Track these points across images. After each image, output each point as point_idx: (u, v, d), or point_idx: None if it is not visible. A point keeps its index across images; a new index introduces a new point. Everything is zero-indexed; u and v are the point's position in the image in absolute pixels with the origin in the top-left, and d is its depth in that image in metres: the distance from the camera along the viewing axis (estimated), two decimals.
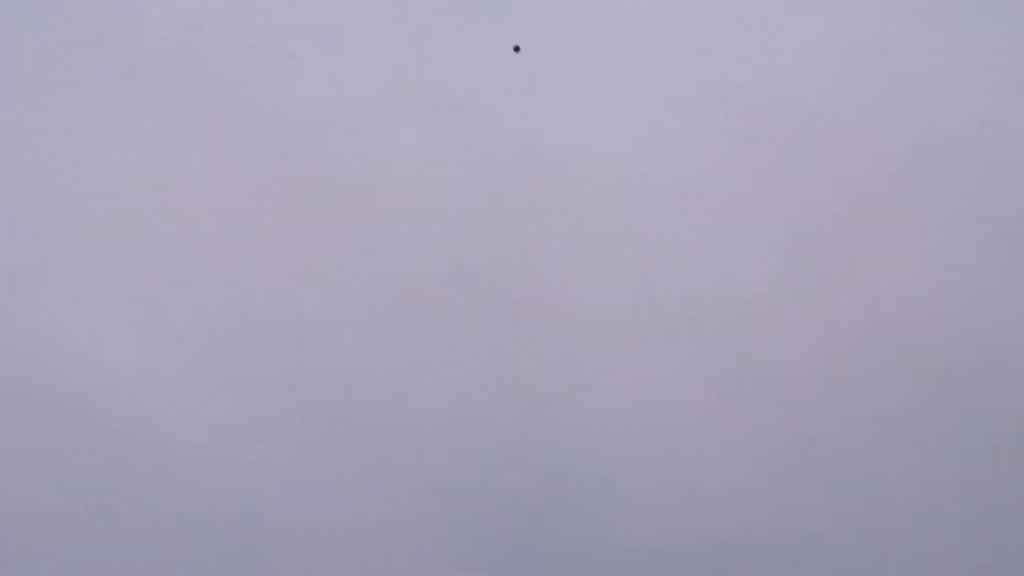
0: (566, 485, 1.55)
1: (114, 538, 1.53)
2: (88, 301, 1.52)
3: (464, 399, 1.54)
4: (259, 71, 1.53)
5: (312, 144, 1.54)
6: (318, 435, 1.54)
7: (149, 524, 1.53)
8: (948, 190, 1.55)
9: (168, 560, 1.53)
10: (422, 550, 1.55)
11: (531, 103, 1.54)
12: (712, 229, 1.55)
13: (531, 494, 1.55)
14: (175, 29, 1.52)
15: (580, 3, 1.54)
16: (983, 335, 1.55)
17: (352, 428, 1.54)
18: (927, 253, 1.55)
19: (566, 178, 1.54)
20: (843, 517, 1.56)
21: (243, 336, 1.54)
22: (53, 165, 1.53)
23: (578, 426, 1.54)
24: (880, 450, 1.56)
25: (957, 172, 1.55)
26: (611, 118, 1.55)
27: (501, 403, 1.54)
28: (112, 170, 1.53)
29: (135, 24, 1.53)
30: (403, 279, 1.54)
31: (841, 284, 1.55)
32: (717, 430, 1.55)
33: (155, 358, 1.53)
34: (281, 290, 1.54)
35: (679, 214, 1.54)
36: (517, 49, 1.47)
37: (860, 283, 1.55)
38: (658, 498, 1.55)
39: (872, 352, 1.55)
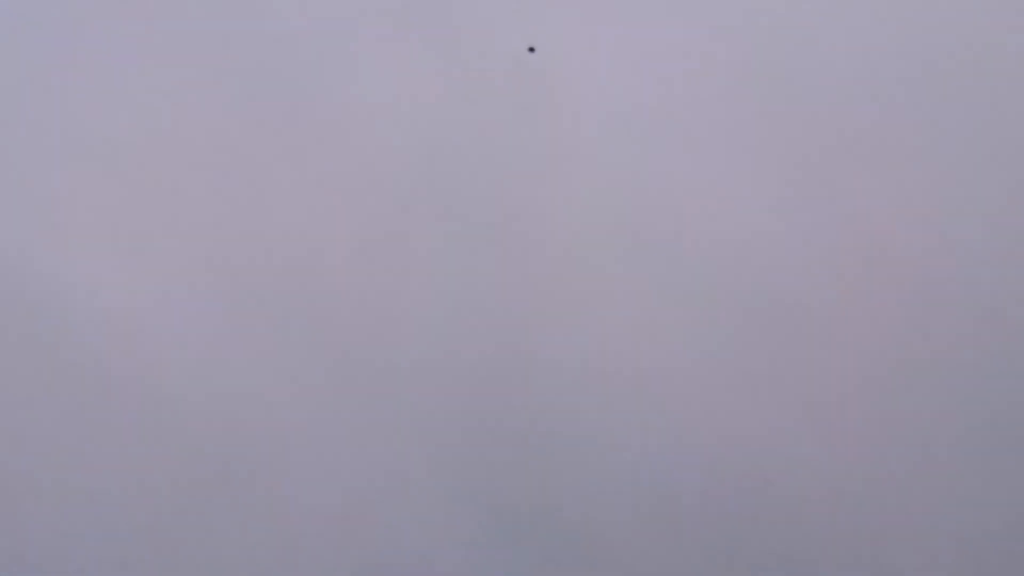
0: (551, 412, 1.55)
1: (94, 463, 1.52)
2: (76, 224, 1.52)
3: (449, 327, 1.54)
4: None
5: (296, 69, 1.53)
6: (301, 362, 1.53)
7: (129, 448, 1.53)
8: (945, 117, 1.54)
9: (147, 483, 1.53)
10: (407, 478, 1.55)
11: (519, 26, 1.53)
12: (702, 155, 1.54)
13: (516, 421, 1.55)
14: None
15: None
16: (979, 262, 1.55)
17: (336, 357, 1.53)
18: (922, 179, 1.55)
19: (553, 104, 1.53)
20: (834, 445, 1.56)
21: (227, 264, 1.53)
22: (42, 88, 1.52)
23: (563, 354, 1.54)
24: (876, 381, 1.56)
25: (956, 101, 1.54)
26: (602, 42, 1.54)
27: (486, 332, 1.54)
28: (101, 92, 1.52)
29: None
30: (388, 204, 1.54)
31: (836, 213, 1.55)
32: (702, 356, 1.55)
33: (138, 285, 1.52)
34: (264, 218, 1.53)
35: (667, 138, 1.54)
36: (532, 50, 1.46)
37: (855, 212, 1.55)
38: (645, 425, 1.55)
39: (868, 280, 1.55)
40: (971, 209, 1.54)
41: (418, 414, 1.54)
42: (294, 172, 1.53)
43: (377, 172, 1.53)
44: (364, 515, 1.54)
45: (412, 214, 1.53)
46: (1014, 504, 1.56)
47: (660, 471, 1.55)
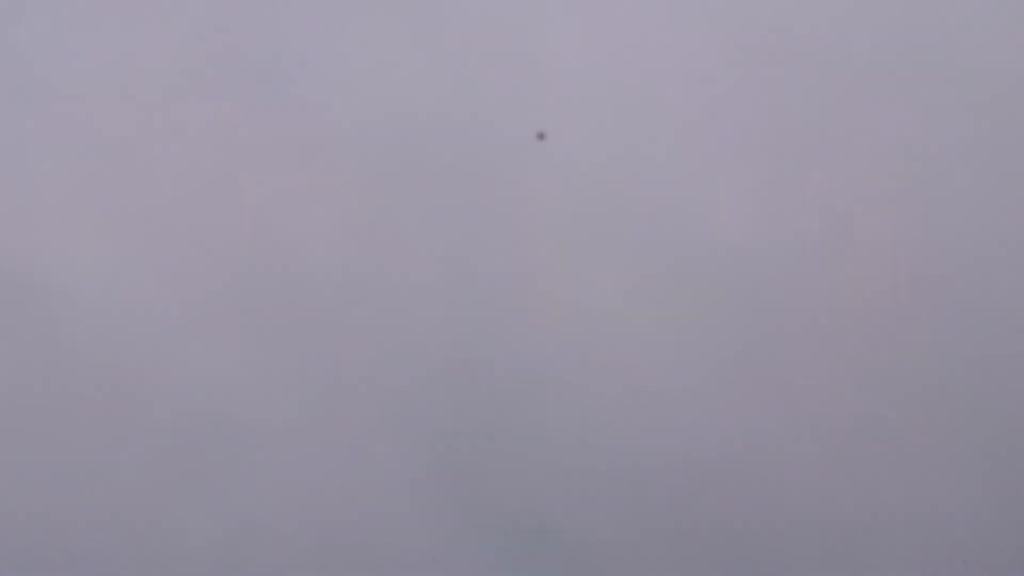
0: (532, 392, 1.54)
1: (68, 442, 1.52)
2: (49, 208, 1.51)
3: (429, 306, 1.53)
4: None
5: (276, 54, 1.52)
6: (277, 339, 1.53)
7: (102, 424, 1.53)
8: (937, 114, 1.54)
9: (120, 462, 1.52)
10: (390, 476, 1.55)
11: (506, 6, 1.52)
12: (691, 145, 1.54)
13: (496, 403, 1.54)
14: None
15: None
16: (971, 261, 1.55)
17: (313, 334, 1.53)
18: (913, 175, 1.55)
19: (540, 82, 1.53)
20: (814, 434, 1.56)
21: (201, 242, 1.53)
22: (27, 82, 1.51)
23: (550, 352, 1.54)
24: (865, 380, 1.56)
25: (949, 97, 1.54)
26: (588, 22, 1.53)
27: (466, 310, 1.53)
28: (83, 86, 1.52)
29: None
30: (367, 181, 1.53)
31: (826, 208, 1.55)
32: (689, 354, 1.55)
33: (111, 262, 1.52)
34: (239, 196, 1.53)
35: (655, 126, 1.53)
36: (542, 136, 1.46)
37: (848, 208, 1.55)
38: (632, 424, 1.55)
39: (859, 276, 1.55)
40: (964, 206, 1.55)
41: (402, 412, 1.54)
42: (280, 163, 1.53)
43: (361, 162, 1.53)
44: (346, 515, 1.54)
45: (396, 207, 1.53)
46: (1009, 503, 1.56)
47: (648, 471, 1.55)
